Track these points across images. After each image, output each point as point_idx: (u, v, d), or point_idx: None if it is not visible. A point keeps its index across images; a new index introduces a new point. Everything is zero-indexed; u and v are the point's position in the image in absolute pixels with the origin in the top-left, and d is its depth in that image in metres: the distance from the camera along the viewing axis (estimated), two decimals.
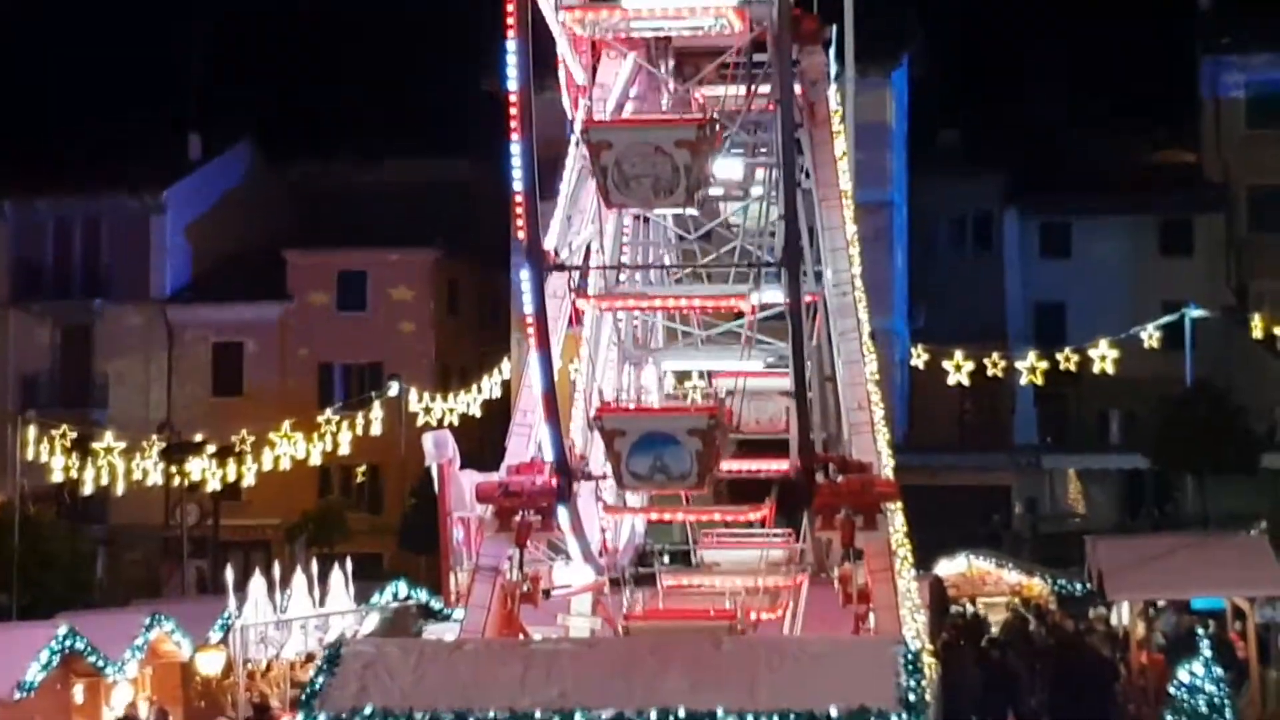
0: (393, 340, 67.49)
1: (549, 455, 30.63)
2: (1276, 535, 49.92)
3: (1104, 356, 58.57)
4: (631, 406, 34.19)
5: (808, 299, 32.18)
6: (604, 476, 31.93)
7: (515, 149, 30.44)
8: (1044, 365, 60.50)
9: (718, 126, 31.41)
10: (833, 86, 36.87)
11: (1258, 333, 58.97)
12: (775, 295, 32.77)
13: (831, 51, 36.65)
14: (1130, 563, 45.02)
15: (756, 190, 35.01)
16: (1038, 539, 58.29)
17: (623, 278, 34.77)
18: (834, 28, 36.77)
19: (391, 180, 71.94)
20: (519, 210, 30.28)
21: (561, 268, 32.26)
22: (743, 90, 33.38)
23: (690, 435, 30.96)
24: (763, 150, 34.88)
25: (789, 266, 31.23)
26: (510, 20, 30.58)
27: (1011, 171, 68.04)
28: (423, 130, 73.61)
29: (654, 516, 34.08)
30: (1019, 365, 61.12)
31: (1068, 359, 60.21)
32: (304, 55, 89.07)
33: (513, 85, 30.36)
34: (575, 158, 32.82)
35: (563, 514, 31.16)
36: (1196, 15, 68.92)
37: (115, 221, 68.94)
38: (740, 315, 33.71)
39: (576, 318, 33.65)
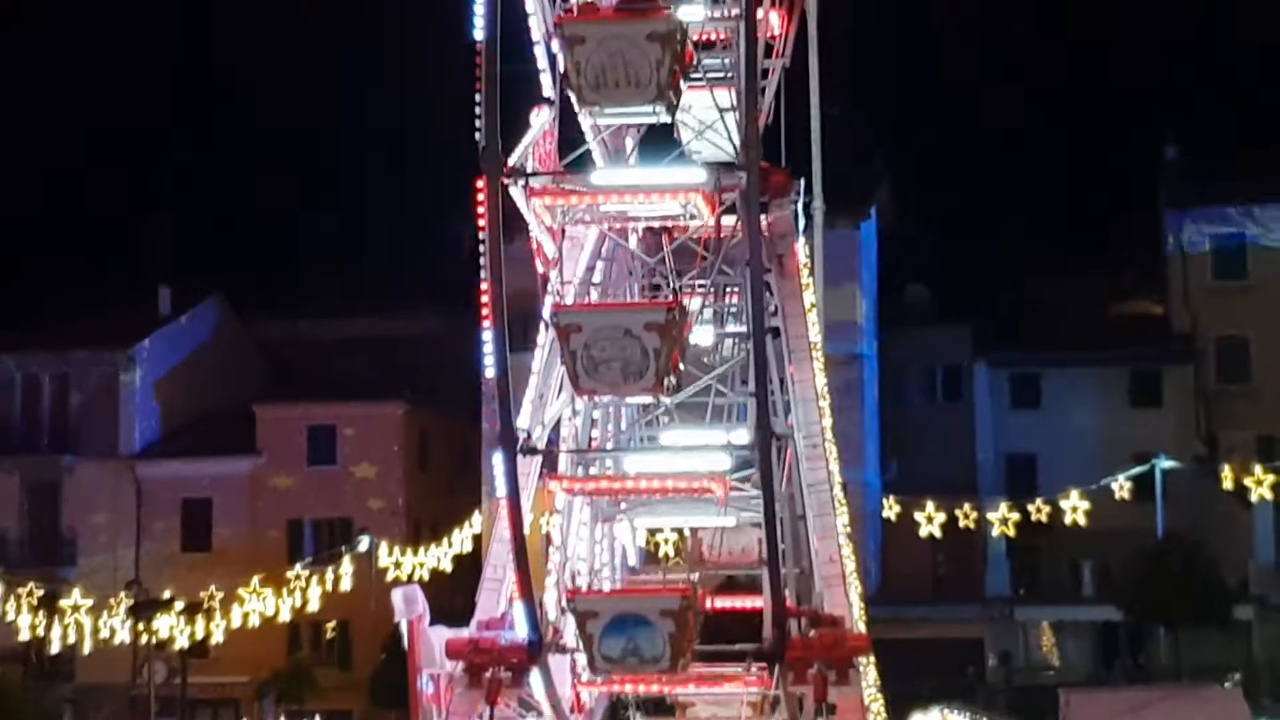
0: (362, 495, 67.34)
1: (522, 633, 31.02)
2: (1250, 687, 50.07)
3: (1075, 508, 58.82)
4: (605, 589, 34.49)
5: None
6: (576, 649, 32.15)
7: (487, 336, 31.13)
8: (1015, 517, 60.88)
9: (688, 311, 32.04)
10: (801, 239, 37.42)
11: (1228, 484, 59.26)
12: (744, 437, 33.26)
13: (799, 206, 37.24)
14: (1104, 718, 45.14)
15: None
16: (1012, 691, 58.19)
17: (601, 462, 35.24)
18: (801, 181, 37.38)
19: (362, 334, 72.06)
20: (493, 394, 31.00)
21: (533, 451, 32.77)
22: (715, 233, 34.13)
23: (663, 616, 31.10)
24: (733, 310, 35.40)
25: (760, 450, 31.77)
26: (481, 210, 31.30)
27: (980, 323, 68.42)
28: (393, 284, 73.90)
29: (629, 688, 34.20)
30: (990, 517, 61.43)
31: (1039, 510, 60.50)
32: (274, 209, 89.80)
33: (485, 274, 31.10)
34: (546, 338, 33.35)
35: (535, 676, 31.41)
36: (1162, 167, 69.74)
37: (84, 377, 68.87)
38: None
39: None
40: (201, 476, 68.36)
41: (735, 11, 33.56)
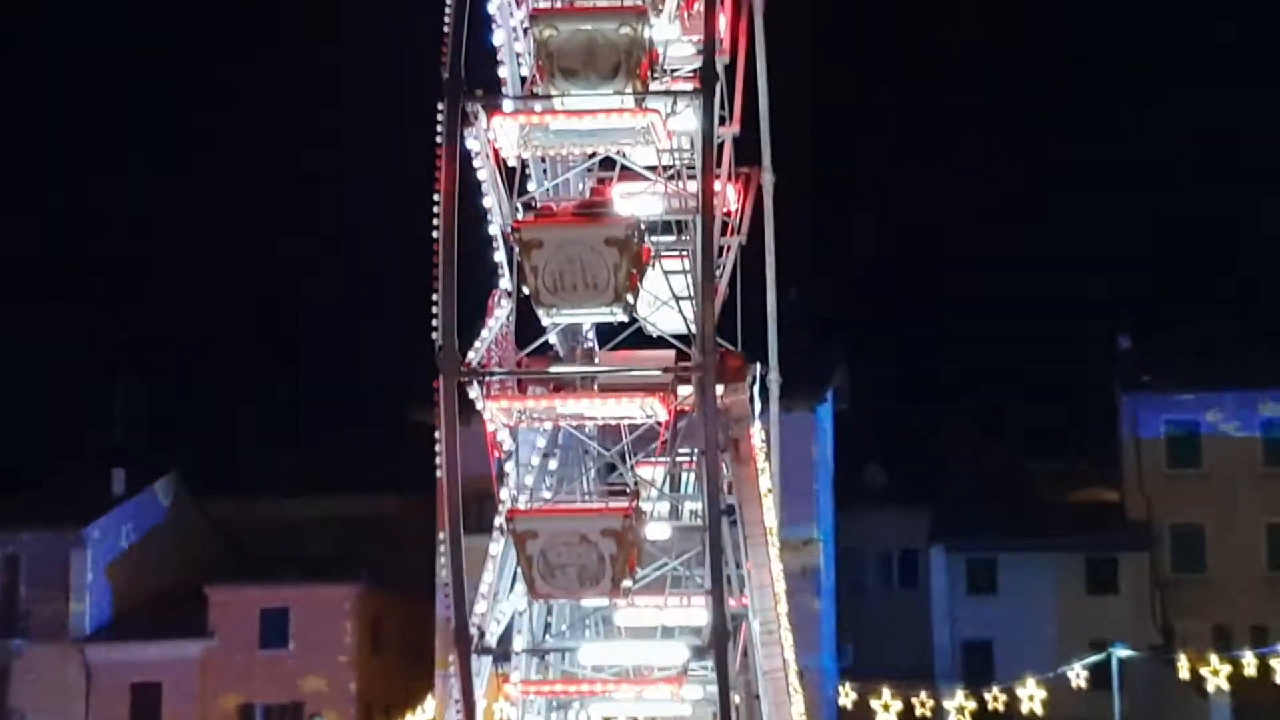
0: (314, 678, 67.05)
1: None
2: None
3: (1032, 696, 58.97)
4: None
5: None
6: None
7: (441, 537, 31.70)
8: (972, 705, 61.01)
9: (639, 520, 32.58)
10: (757, 423, 37.90)
11: (1184, 673, 59.58)
12: (702, 616, 33.69)
13: (756, 388, 37.76)
14: None
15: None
16: None
17: (556, 661, 35.64)
18: (758, 365, 37.92)
19: (319, 514, 72.07)
20: (447, 593, 31.49)
21: (487, 651, 33.16)
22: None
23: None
24: (692, 507, 35.85)
25: (716, 652, 32.25)
26: (438, 410, 31.86)
27: (937, 508, 68.86)
28: (352, 464, 74.06)
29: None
30: (947, 704, 61.56)
31: (995, 698, 60.69)
32: (233, 388, 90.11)
33: (441, 474, 31.69)
34: (502, 541, 33.81)
35: None
36: (1116, 354, 70.55)
37: (35, 558, 68.56)
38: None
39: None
40: (151, 659, 67.76)
41: (692, 188, 34.30)
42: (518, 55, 35.50)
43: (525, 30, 35.01)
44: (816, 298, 66.61)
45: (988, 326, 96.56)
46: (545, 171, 36.25)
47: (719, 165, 34.97)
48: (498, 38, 35.13)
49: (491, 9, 35.06)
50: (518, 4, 35.51)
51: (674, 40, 36.43)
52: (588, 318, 34.94)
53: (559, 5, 35.21)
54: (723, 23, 35.63)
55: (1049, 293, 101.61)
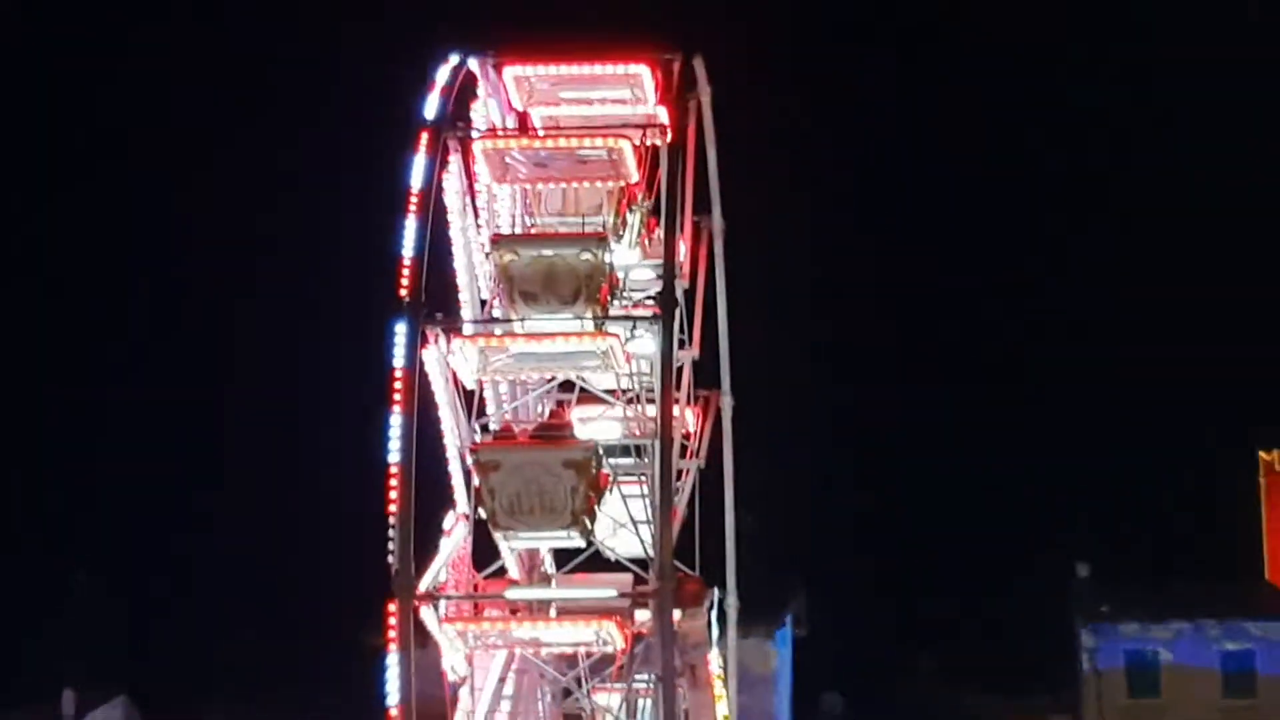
0: None
1: None
2: None
3: None
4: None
5: None
6: None
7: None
8: None
9: None
10: (715, 650, 37.88)
11: None
12: None
13: (714, 614, 37.74)
14: None
15: None
16: None
17: None
18: (716, 590, 37.94)
19: None
20: None
21: None
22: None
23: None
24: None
25: None
26: (392, 634, 31.85)
27: None
28: (307, 681, 73.46)
29: None
30: None
31: None
32: (185, 614, 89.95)
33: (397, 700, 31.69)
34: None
35: None
36: (1072, 584, 70.77)
37: None
38: None
39: None
40: None
41: (651, 412, 34.53)
42: (476, 279, 35.91)
43: (486, 254, 35.46)
44: (775, 523, 66.66)
45: (945, 555, 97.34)
46: (504, 393, 36.50)
47: (678, 389, 35.22)
48: (458, 260, 35.53)
49: (453, 233, 35.50)
50: (478, 228, 36.01)
51: (634, 265, 36.87)
52: (545, 542, 35.04)
53: (520, 231, 35.70)
54: (682, 249, 36.12)
55: (1008, 524, 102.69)
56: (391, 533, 32.04)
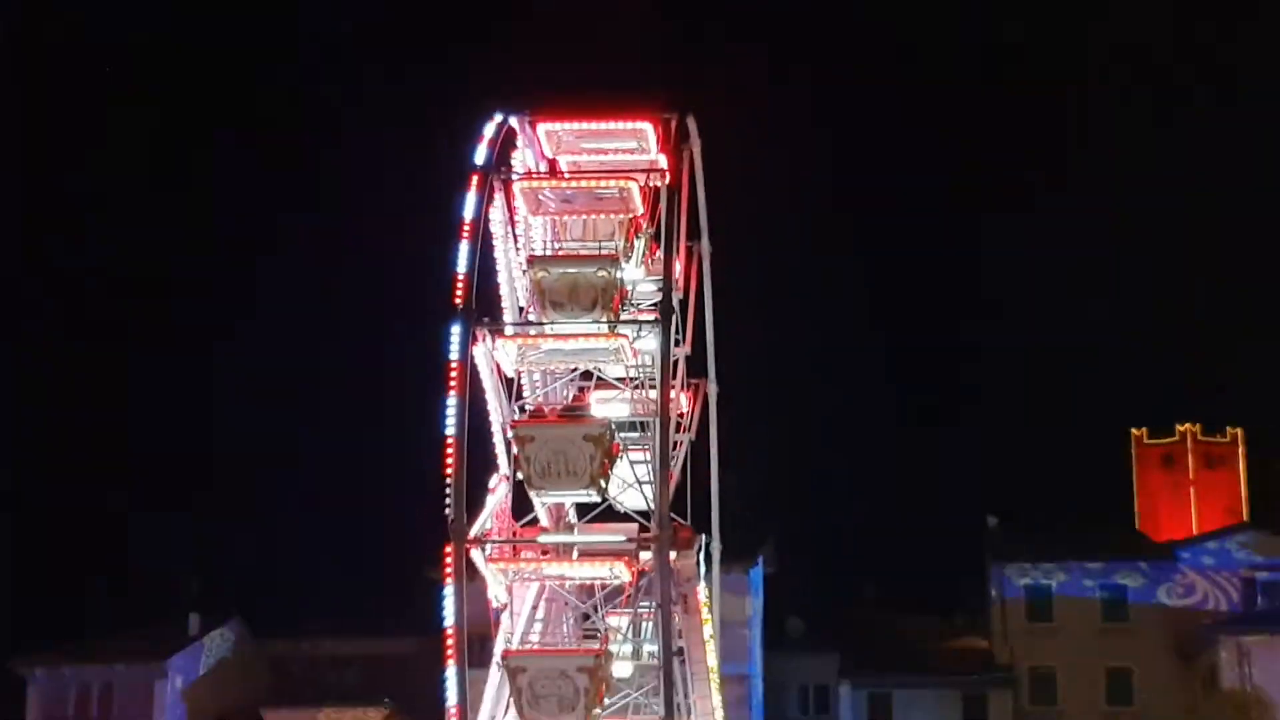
0: None
1: None
2: None
3: None
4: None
5: None
6: None
7: (450, 672, 31.46)
8: None
9: (608, 661, 32.37)
10: (703, 583, 37.71)
11: None
12: None
13: (701, 555, 37.62)
14: None
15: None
16: None
17: None
18: (702, 538, 37.79)
19: (351, 652, 71.08)
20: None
21: None
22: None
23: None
24: (650, 649, 35.54)
25: None
26: (448, 571, 31.62)
27: (845, 652, 68.17)
28: (377, 611, 73.24)
29: None
30: None
31: None
32: (284, 550, 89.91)
33: (451, 624, 31.37)
34: (498, 674, 33.58)
35: None
36: (985, 532, 70.50)
37: (125, 686, 67.19)
38: None
39: None
40: None
41: (653, 396, 34.48)
42: (515, 290, 35.85)
43: (524, 271, 35.39)
44: (750, 483, 66.33)
45: (885, 507, 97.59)
46: (537, 381, 36.41)
47: (674, 378, 35.14)
48: (501, 276, 35.48)
49: (497, 254, 35.39)
50: (518, 250, 35.90)
51: (640, 280, 36.81)
52: (569, 498, 34.94)
53: (550, 253, 35.55)
54: (677, 267, 36.05)
55: (936, 483, 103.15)
56: (448, 490, 31.99)
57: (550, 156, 38.32)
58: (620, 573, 33.69)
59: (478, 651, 33.18)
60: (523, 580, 34.83)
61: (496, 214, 35.73)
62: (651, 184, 36.80)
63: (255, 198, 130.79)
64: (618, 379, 36.22)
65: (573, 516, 36.60)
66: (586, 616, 36.73)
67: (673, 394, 34.69)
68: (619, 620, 36.39)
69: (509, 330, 34.98)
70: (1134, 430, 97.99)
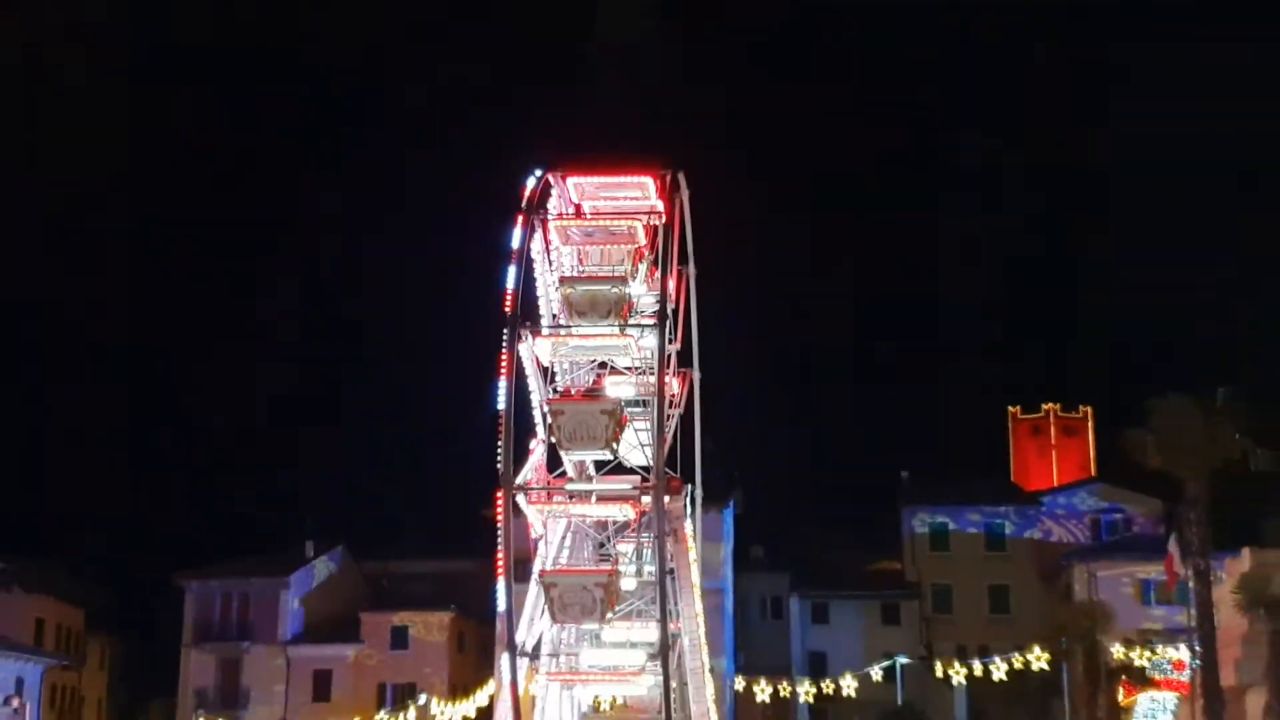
0: (424, 669, 65.63)
1: None
2: None
3: (849, 685, 58.60)
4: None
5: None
6: None
7: (500, 586, 31.45)
8: (813, 690, 60.39)
9: (618, 578, 32.50)
10: (689, 521, 37.78)
11: (939, 673, 59.25)
12: (653, 633, 33.34)
13: (687, 499, 37.67)
14: None
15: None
16: None
17: (566, 658, 35.28)
18: (689, 486, 37.84)
19: (425, 570, 71.25)
20: (503, 619, 31.43)
21: (526, 654, 32.92)
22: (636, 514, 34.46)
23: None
24: (649, 569, 35.58)
25: (661, 659, 32.02)
26: (499, 512, 31.64)
27: (794, 571, 68.38)
28: (444, 538, 73.19)
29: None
30: (799, 690, 60.96)
31: (827, 686, 60.15)
32: (376, 492, 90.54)
33: (500, 547, 31.47)
34: (536, 587, 33.68)
35: None
36: (899, 483, 70.69)
37: (258, 595, 67.49)
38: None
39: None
40: (326, 656, 66.49)
41: (651, 382, 34.47)
42: (551, 301, 35.90)
43: (556, 287, 35.43)
44: (725, 446, 66.45)
45: (823, 465, 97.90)
46: (566, 369, 36.45)
47: (668, 367, 35.21)
48: (540, 290, 35.53)
49: (537, 274, 35.45)
50: (551, 272, 35.95)
51: (642, 295, 36.83)
52: (589, 457, 34.99)
53: (576, 274, 35.58)
54: (671, 285, 36.09)
55: (861, 446, 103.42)
56: (499, 450, 32.05)
57: (576, 201, 38.38)
58: (627, 512, 33.76)
59: (520, 572, 33.28)
60: (554, 518, 34.87)
61: (536, 245, 35.77)
62: (651, 223, 36.82)
63: (348, 233, 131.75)
64: (626, 367, 36.28)
65: (592, 470, 36.63)
66: (602, 545, 36.78)
67: (667, 379, 34.76)
68: (626, 547, 36.52)
69: (545, 331, 35.02)
70: (1011, 408, 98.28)
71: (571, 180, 37.81)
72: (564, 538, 36.04)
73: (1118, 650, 52.86)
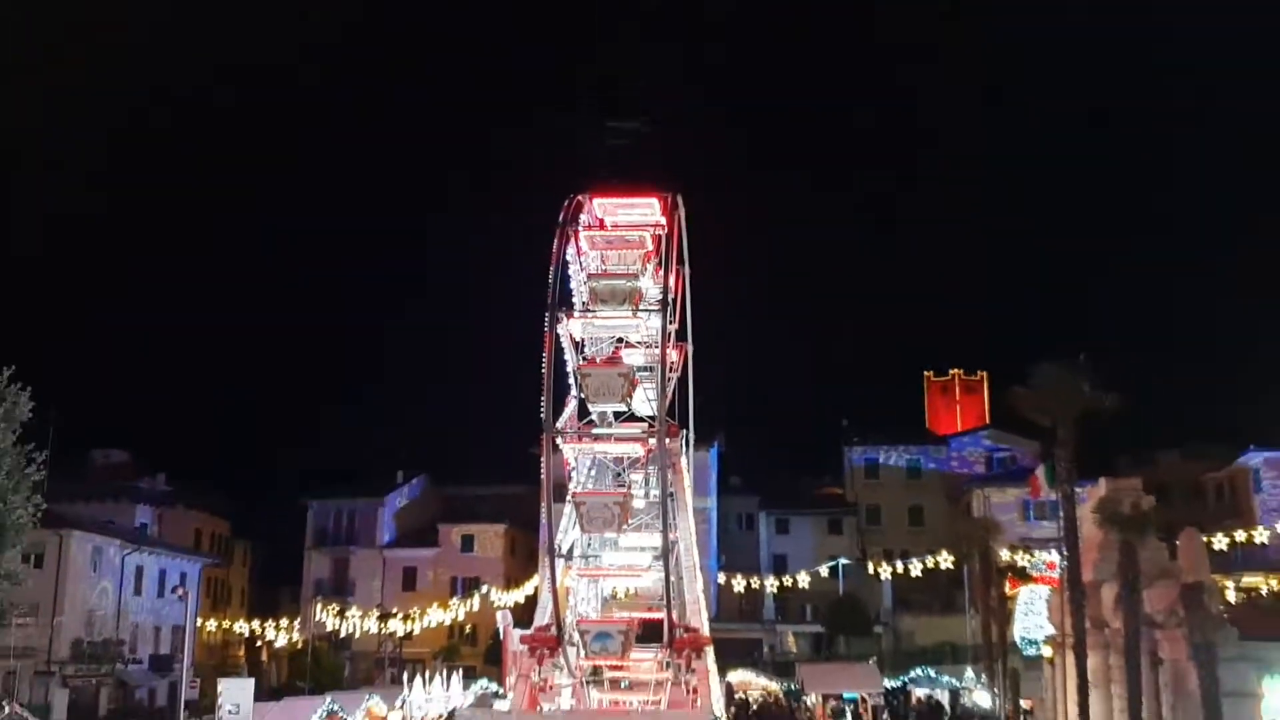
0: (485, 567, 66.00)
1: (554, 630, 30.87)
2: (881, 664, 49.53)
3: (804, 580, 58.73)
4: (592, 618, 34.18)
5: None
6: (577, 644, 32.09)
7: (544, 508, 31.44)
8: (777, 583, 60.55)
9: (631, 499, 32.52)
10: (685, 457, 37.92)
11: (871, 571, 59.38)
12: (657, 540, 33.24)
13: (683, 441, 37.75)
14: (816, 676, 44.68)
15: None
16: (775, 664, 57.36)
17: (591, 559, 35.43)
18: (684, 431, 37.94)
19: (489, 493, 71.17)
20: (547, 530, 31.43)
21: (562, 556, 33.13)
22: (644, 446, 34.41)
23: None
24: (655, 492, 35.62)
25: (665, 554, 32.19)
26: (542, 453, 31.67)
27: (763, 494, 68.41)
28: (503, 467, 73.15)
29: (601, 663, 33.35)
30: (766, 584, 61.12)
31: (788, 581, 60.31)
32: (451, 433, 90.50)
33: (544, 476, 31.40)
34: (570, 506, 33.82)
35: (560, 654, 31.33)
36: (843, 425, 70.69)
37: (363, 513, 67.93)
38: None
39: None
40: (413, 558, 66.85)
41: (655, 353, 34.48)
42: (582, 292, 35.92)
43: (585, 282, 35.45)
44: (711, 400, 66.35)
45: (784, 410, 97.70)
46: (592, 342, 36.50)
47: (668, 342, 35.27)
48: (574, 284, 35.51)
49: (571, 271, 35.42)
50: (581, 269, 35.97)
51: (649, 287, 36.84)
52: (610, 408, 35.06)
53: (600, 271, 35.55)
54: (671, 281, 36.11)
55: (813, 397, 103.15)
56: (543, 402, 32.19)
57: (600, 216, 38.41)
58: (638, 450, 33.91)
59: (558, 493, 33.49)
60: (583, 454, 35.06)
61: (571, 250, 35.82)
62: (656, 233, 36.87)
63: (410, 245, 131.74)
64: (637, 342, 36.38)
65: (611, 418, 36.80)
66: (618, 474, 37.00)
67: (668, 351, 34.88)
68: (637, 476, 36.76)
69: (577, 314, 35.11)
70: (926, 372, 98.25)
71: (597, 200, 37.85)
72: (590, 469, 36.29)
73: (1005, 554, 53.08)
